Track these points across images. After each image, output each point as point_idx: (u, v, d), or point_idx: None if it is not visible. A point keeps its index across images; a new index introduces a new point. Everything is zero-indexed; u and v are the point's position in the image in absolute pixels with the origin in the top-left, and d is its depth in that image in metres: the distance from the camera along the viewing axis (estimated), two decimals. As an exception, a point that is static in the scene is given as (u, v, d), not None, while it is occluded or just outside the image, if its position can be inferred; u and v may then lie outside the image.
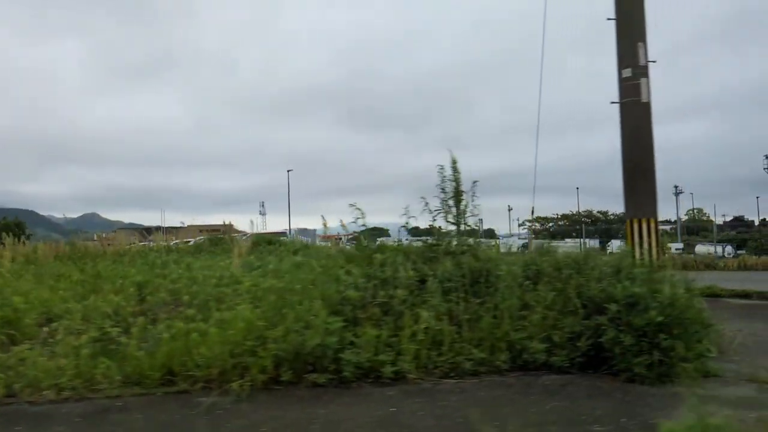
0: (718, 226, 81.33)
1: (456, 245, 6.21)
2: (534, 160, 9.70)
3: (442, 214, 6.42)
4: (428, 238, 6.60)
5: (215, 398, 4.40)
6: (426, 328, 5.08)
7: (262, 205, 59.08)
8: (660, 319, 4.87)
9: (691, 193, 77.98)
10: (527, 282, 5.66)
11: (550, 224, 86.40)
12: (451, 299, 5.38)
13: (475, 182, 6.32)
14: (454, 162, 6.42)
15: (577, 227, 67.83)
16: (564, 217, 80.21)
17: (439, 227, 6.65)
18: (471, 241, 6.35)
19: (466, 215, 6.40)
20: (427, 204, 6.47)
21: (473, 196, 6.35)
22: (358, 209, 6.56)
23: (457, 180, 6.40)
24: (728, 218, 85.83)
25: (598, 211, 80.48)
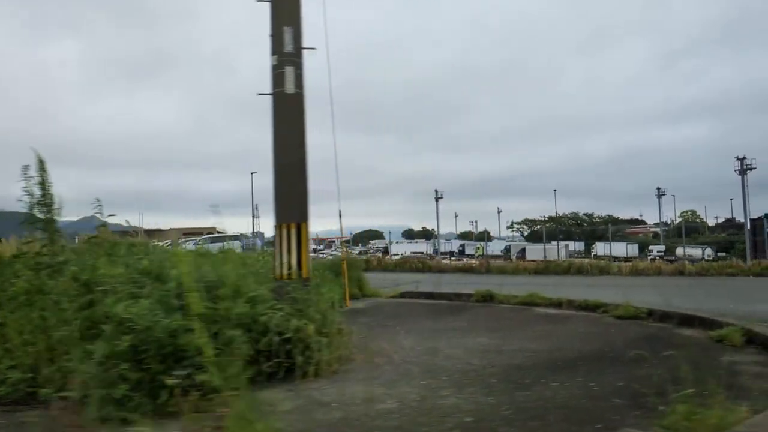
0: (710, 228, 79.60)
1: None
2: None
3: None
4: None
5: None
6: None
7: (256, 208, 58.48)
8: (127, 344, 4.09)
9: (673, 195, 76.17)
10: (58, 298, 4.88)
11: (538, 226, 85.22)
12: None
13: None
14: (41, 162, 5.69)
15: (564, 229, 66.75)
16: (551, 219, 79.15)
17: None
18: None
19: (55, 221, 5.67)
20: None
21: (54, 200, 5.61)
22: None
23: (44, 184, 5.68)
24: (720, 220, 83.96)
25: (584, 214, 79.27)
